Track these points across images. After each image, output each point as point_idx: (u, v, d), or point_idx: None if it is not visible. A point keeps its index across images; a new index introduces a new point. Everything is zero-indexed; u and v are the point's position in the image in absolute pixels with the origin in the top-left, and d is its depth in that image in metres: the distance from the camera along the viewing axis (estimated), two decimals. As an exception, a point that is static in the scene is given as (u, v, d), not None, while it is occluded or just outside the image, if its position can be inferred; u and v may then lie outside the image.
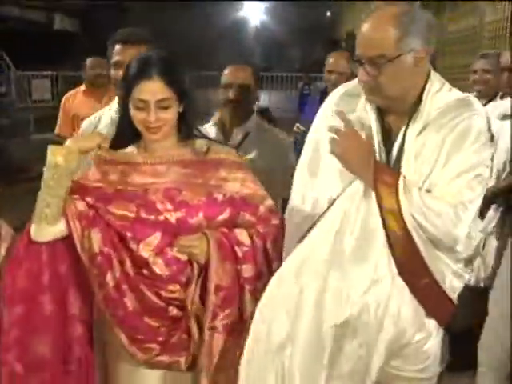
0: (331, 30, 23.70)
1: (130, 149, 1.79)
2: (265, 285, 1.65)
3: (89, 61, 4.16)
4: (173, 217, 1.66)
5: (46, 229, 1.68)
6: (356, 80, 1.72)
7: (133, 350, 1.65)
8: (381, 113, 1.68)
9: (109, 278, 1.64)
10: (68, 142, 1.70)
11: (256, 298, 1.65)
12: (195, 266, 1.66)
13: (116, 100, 2.39)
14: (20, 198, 3.20)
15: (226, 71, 2.54)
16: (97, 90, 4.08)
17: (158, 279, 1.66)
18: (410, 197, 1.54)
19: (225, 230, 1.69)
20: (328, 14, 26.31)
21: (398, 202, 1.55)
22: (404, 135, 1.63)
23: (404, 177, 1.57)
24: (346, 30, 22.41)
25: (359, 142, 1.61)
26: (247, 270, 1.67)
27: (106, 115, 2.41)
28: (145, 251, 1.65)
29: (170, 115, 1.67)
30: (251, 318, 1.63)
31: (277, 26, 23.82)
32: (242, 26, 22.87)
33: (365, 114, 1.69)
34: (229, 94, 2.49)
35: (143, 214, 1.66)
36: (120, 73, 2.20)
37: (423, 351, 1.66)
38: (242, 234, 1.70)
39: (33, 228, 1.69)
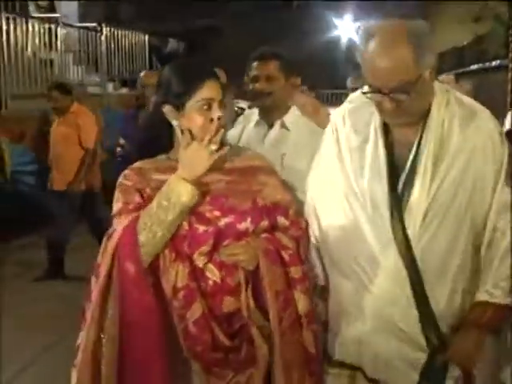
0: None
1: (162, 158, 1.76)
2: (310, 284, 1.72)
3: None
4: (222, 222, 1.66)
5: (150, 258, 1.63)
6: (357, 95, 1.74)
7: (208, 377, 1.65)
8: (386, 126, 1.68)
9: (191, 312, 1.61)
10: (186, 176, 1.60)
11: (308, 296, 1.69)
12: (241, 272, 1.65)
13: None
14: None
15: (254, 65, 2.53)
16: None
17: (215, 291, 1.64)
18: None
19: (268, 235, 1.69)
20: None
21: None
22: (418, 145, 1.62)
23: None
24: (437, 47, 22.76)
25: None
26: (296, 272, 1.67)
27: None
28: (199, 260, 1.64)
29: (225, 115, 1.69)
30: (306, 317, 1.68)
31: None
32: (336, 45, 23.60)
33: (368, 128, 1.69)
34: (256, 86, 2.51)
35: (195, 224, 1.65)
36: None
37: None
38: (284, 238, 1.70)
39: (146, 253, 1.61)
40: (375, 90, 1.55)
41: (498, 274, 1.63)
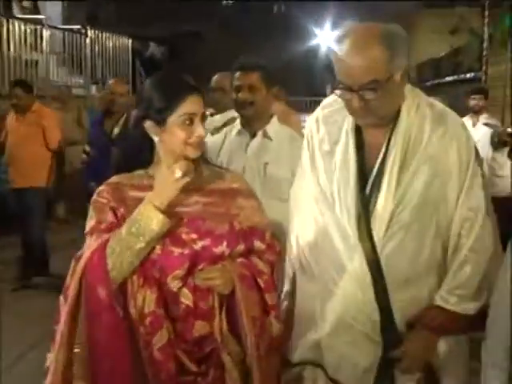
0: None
1: (140, 174, 1.71)
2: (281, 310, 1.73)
3: None
4: (198, 245, 1.62)
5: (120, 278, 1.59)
6: (330, 101, 1.75)
7: None
8: (358, 129, 1.68)
9: (156, 339, 1.58)
10: (157, 203, 1.57)
11: (280, 322, 1.68)
12: (215, 296, 1.63)
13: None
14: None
15: (236, 75, 2.58)
16: None
17: (188, 315, 1.61)
18: None
19: (244, 260, 1.67)
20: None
21: None
22: (387, 148, 1.62)
23: None
24: (416, 59, 23.29)
25: None
26: (270, 298, 1.67)
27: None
28: (173, 284, 1.61)
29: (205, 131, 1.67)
30: (277, 342, 1.68)
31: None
32: (315, 53, 23.96)
33: (340, 132, 1.69)
34: (238, 96, 2.55)
35: (170, 246, 1.61)
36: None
37: None
38: (260, 264, 1.69)
39: (114, 278, 1.58)
40: (346, 87, 1.55)
41: (455, 281, 1.63)
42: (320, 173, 1.73)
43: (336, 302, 1.68)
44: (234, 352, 1.62)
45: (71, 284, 1.61)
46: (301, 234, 1.79)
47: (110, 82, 5.17)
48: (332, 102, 1.75)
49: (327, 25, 21.89)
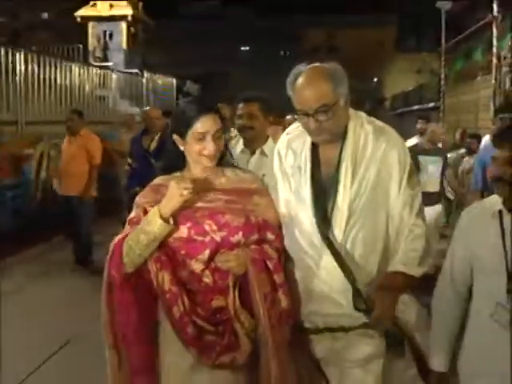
0: (377, 92, 25.30)
1: (177, 175, 1.69)
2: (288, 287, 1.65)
3: None
4: (217, 235, 1.60)
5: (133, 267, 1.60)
6: (293, 128, 1.76)
7: (201, 358, 1.58)
8: (313, 146, 1.67)
9: (175, 310, 1.57)
10: (166, 213, 1.55)
11: (288, 297, 1.62)
12: (231, 277, 1.60)
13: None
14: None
15: (240, 105, 2.53)
16: None
17: (207, 291, 1.60)
18: None
19: (257, 247, 1.63)
20: (375, 80, 28.10)
21: None
22: (339, 159, 1.62)
23: None
24: (390, 92, 23.49)
25: None
26: (279, 278, 1.63)
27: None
28: (196, 265, 1.59)
29: (221, 144, 1.65)
30: (287, 313, 1.61)
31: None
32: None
33: (302, 150, 1.68)
34: (240, 122, 2.51)
35: (194, 235, 1.59)
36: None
37: None
38: (269, 250, 1.65)
39: (126, 263, 1.59)
40: (303, 112, 1.60)
41: (408, 250, 1.63)
42: (287, 184, 1.72)
43: (318, 284, 1.64)
44: (244, 322, 1.60)
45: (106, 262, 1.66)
46: (284, 226, 1.73)
47: (147, 108, 5.03)
48: (295, 129, 1.76)
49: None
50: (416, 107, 20.99)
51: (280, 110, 3.97)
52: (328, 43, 30.65)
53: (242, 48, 32.24)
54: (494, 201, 1.50)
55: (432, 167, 4.69)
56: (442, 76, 16.25)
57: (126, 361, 1.65)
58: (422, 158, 4.61)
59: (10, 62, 6.60)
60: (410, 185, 1.64)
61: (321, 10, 29.07)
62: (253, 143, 2.53)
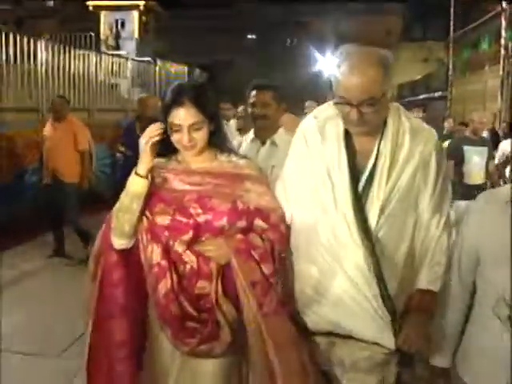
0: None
1: (170, 158, 1.69)
2: (280, 281, 1.59)
3: None
4: (201, 218, 1.59)
5: (124, 242, 1.62)
6: (321, 111, 1.64)
7: (177, 343, 1.56)
8: (348, 136, 1.56)
9: (161, 285, 1.56)
10: (140, 170, 1.58)
11: (275, 292, 1.56)
12: (213, 263, 1.58)
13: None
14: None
15: (252, 93, 2.48)
16: None
17: (192, 274, 1.58)
18: None
19: (242, 236, 1.59)
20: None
21: None
22: (377, 151, 1.53)
23: None
24: (397, 80, 23.51)
25: None
26: (266, 268, 1.58)
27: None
28: (179, 247, 1.58)
29: (202, 135, 1.59)
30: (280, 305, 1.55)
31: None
32: (318, 77, 24.23)
33: (333, 138, 1.57)
34: (253, 110, 2.47)
35: (178, 217, 1.59)
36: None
37: None
38: (255, 239, 1.60)
39: (115, 241, 1.62)
40: (345, 101, 1.46)
41: (433, 261, 1.55)
42: (318, 170, 1.59)
43: (339, 281, 1.54)
44: (226, 311, 1.57)
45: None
46: (299, 217, 1.63)
47: (144, 95, 4.96)
48: (322, 112, 1.64)
49: (328, 53, 22.11)
50: (422, 96, 21.03)
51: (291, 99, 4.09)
52: (335, 31, 30.60)
53: (249, 36, 32.18)
54: (506, 191, 1.45)
55: (476, 158, 4.67)
56: (450, 66, 16.32)
57: (105, 338, 1.64)
58: (466, 149, 4.62)
59: (31, 50, 6.76)
60: (441, 193, 1.58)
61: (328, -2, 29.05)
62: (264, 132, 2.51)
